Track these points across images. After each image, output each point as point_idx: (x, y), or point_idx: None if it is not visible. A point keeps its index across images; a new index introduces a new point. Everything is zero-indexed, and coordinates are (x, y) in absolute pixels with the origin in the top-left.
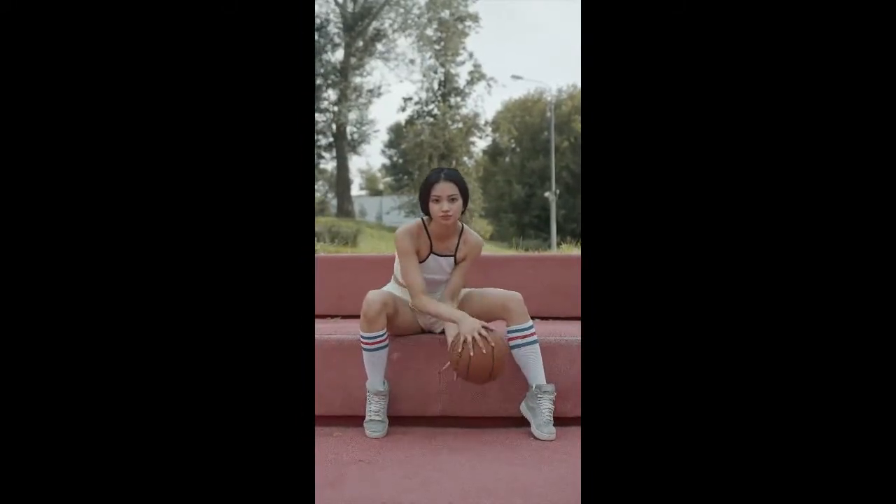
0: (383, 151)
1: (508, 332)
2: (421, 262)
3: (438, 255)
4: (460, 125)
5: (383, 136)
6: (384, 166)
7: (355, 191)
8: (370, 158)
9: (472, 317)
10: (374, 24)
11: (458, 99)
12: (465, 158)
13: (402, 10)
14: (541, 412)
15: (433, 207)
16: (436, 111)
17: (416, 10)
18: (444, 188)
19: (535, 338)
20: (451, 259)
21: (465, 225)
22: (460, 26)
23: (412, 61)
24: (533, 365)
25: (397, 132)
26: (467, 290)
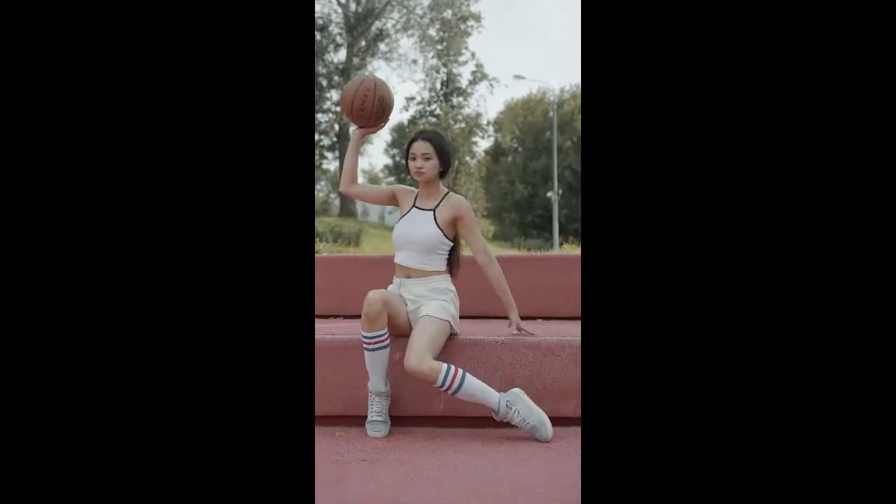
0: (386, 151)
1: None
2: (405, 214)
3: (420, 208)
4: (463, 125)
5: (386, 137)
6: (387, 166)
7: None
8: (373, 158)
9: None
10: (377, 24)
11: (461, 99)
12: (468, 158)
13: (404, 11)
14: (522, 424)
15: (410, 165)
16: (438, 111)
17: (418, 11)
18: (418, 147)
19: (457, 382)
20: (430, 214)
21: (451, 191)
22: (462, 26)
23: (415, 61)
24: (478, 399)
25: (400, 132)
26: (424, 315)
